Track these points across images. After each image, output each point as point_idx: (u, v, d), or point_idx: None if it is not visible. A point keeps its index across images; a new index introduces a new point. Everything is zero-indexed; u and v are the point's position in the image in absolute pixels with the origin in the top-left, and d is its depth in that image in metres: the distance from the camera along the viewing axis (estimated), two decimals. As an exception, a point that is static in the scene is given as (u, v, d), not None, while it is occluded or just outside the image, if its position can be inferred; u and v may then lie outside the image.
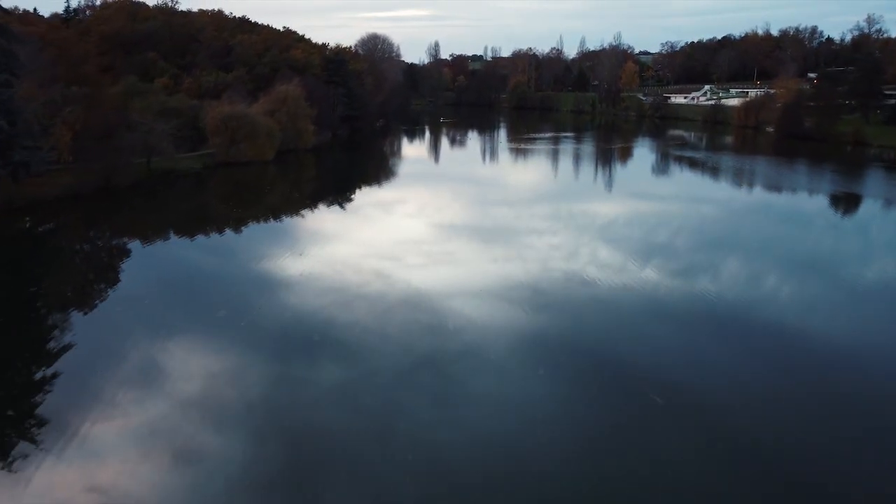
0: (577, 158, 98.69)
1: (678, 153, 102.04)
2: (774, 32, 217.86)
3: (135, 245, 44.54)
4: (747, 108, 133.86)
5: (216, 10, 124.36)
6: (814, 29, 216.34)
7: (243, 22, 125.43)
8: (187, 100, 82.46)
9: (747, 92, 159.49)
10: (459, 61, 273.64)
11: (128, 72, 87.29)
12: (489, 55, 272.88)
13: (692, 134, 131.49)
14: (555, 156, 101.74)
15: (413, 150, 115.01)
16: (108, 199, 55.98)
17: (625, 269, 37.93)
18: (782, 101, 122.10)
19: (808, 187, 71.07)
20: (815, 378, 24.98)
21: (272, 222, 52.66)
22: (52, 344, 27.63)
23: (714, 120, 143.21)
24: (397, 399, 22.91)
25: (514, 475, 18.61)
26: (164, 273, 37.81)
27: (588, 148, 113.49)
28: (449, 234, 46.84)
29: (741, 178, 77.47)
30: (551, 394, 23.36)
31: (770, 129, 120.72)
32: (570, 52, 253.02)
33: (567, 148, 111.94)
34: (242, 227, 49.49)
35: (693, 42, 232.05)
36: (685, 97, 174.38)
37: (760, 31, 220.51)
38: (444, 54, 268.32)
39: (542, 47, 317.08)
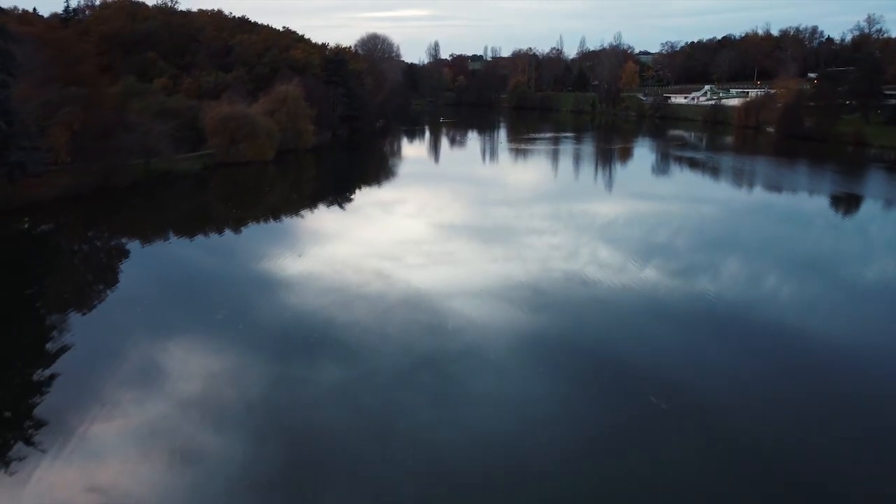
0: (577, 159, 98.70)
1: (678, 153, 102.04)
2: (775, 32, 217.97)
3: (134, 245, 44.56)
4: (747, 108, 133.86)
5: (216, 10, 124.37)
6: (814, 29, 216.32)
7: (243, 22, 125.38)
8: (186, 100, 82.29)
9: (747, 92, 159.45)
10: (459, 61, 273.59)
11: (127, 72, 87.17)
12: (489, 55, 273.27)
13: (692, 134, 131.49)
14: (555, 156, 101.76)
15: (413, 151, 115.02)
16: (106, 200, 55.90)
17: (625, 269, 37.93)
18: (782, 101, 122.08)
19: (809, 188, 71.07)
20: (815, 378, 24.98)
21: (272, 222, 52.65)
22: (51, 344, 27.64)
23: (714, 120, 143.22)
24: (397, 399, 22.91)
25: (514, 475, 18.61)
26: (163, 273, 37.80)
27: (588, 148, 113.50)
28: (449, 234, 46.84)
29: (741, 178, 77.50)
30: (551, 394, 23.37)
31: (770, 130, 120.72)
32: (570, 52, 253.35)
33: (567, 148, 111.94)
34: (242, 228, 49.48)
35: (693, 42, 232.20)
36: (685, 97, 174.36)
37: (760, 31, 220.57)
38: (444, 54, 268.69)
39: (542, 47, 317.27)
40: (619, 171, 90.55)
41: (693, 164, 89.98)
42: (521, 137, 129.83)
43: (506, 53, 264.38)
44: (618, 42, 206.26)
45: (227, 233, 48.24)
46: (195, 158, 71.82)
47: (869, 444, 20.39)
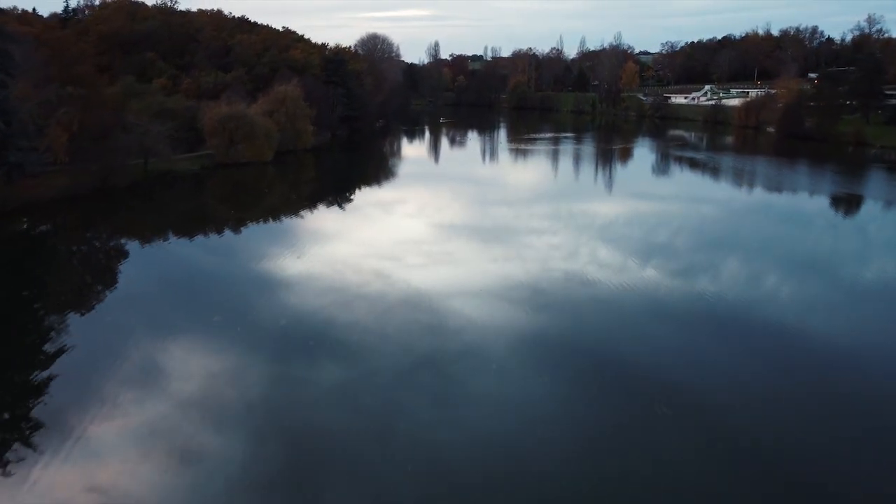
0: (577, 159, 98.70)
1: (678, 153, 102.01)
2: (775, 32, 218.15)
3: (132, 246, 44.56)
4: (748, 108, 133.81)
5: (215, 9, 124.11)
6: (814, 29, 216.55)
7: (242, 22, 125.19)
8: (185, 100, 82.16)
9: (748, 92, 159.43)
10: (459, 61, 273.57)
11: (126, 72, 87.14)
12: (489, 55, 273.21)
13: (692, 134, 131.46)
14: (555, 156, 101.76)
15: (413, 151, 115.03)
16: (104, 201, 55.86)
17: (625, 268, 37.92)
18: (783, 101, 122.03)
19: (809, 188, 70.99)
20: (815, 378, 24.98)
21: (271, 223, 52.61)
22: (50, 345, 27.60)
23: (714, 120, 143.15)
24: (397, 399, 22.91)
25: (514, 475, 18.60)
26: (162, 274, 37.80)
27: (588, 148, 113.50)
28: (449, 233, 46.83)
29: (741, 178, 77.48)
30: (551, 394, 23.36)
31: (771, 130, 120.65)
32: (570, 52, 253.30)
33: (567, 148, 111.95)
34: (241, 228, 49.44)
35: (693, 42, 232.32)
36: (685, 97, 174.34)
37: (761, 31, 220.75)
38: (444, 54, 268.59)
39: (542, 47, 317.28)
40: (619, 171, 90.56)
41: (693, 164, 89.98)
42: (521, 138, 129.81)
43: (506, 53, 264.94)
44: (618, 42, 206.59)
45: (226, 233, 48.25)
46: (194, 159, 71.79)
47: (869, 444, 20.38)
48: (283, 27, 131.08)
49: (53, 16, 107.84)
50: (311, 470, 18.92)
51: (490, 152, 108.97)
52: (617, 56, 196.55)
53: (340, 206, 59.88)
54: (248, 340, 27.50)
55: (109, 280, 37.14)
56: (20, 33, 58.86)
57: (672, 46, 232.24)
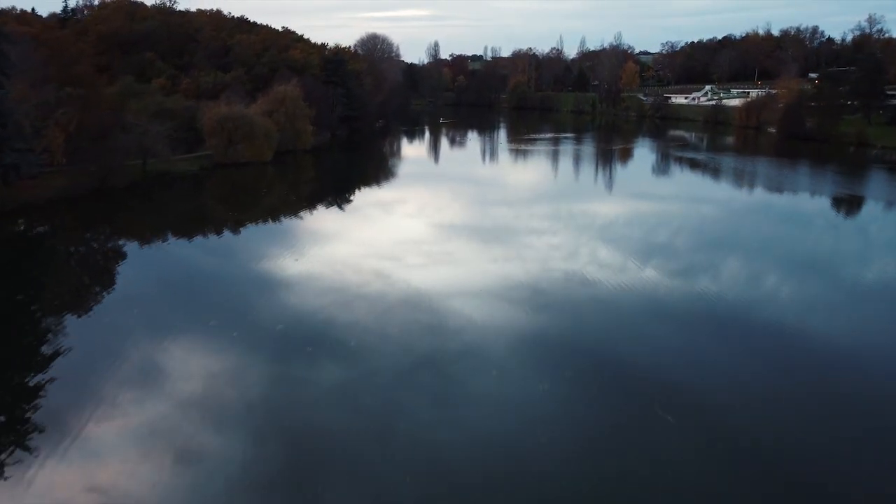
0: (577, 159, 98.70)
1: (679, 154, 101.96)
2: (775, 32, 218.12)
3: (131, 247, 44.49)
4: (748, 108, 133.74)
5: (214, 9, 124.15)
6: (814, 29, 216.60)
7: (242, 22, 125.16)
8: (184, 100, 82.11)
9: (748, 92, 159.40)
10: (459, 61, 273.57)
11: (125, 72, 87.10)
12: (489, 55, 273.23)
13: (693, 134, 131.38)
14: (555, 156, 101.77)
15: (413, 151, 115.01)
16: (103, 202, 55.75)
17: (625, 269, 37.92)
18: (784, 101, 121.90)
19: (810, 188, 70.92)
20: (815, 378, 24.97)
21: (270, 224, 52.58)
22: (48, 346, 27.56)
23: (715, 120, 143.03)
24: (397, 399, 22.90)
25: (514, 475, 18.59)
26: (161, 274, 37.78)
27: (588, 148, 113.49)
28: (449, 234, 46.82)
29: (742, 179, 77.44)
30: (551, 394, 23.35)
31: (772, 130, 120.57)
32: (570, 52, 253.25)
33: (567, 148, 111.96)
34: (240, 229, 49.38)
35: (693, 42, 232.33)
36: (686, 97, 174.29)
37: (761, 31, 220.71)
38: (444, 54, 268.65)
39: (542, 47, 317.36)
40: (619, 171, 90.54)
41: (694, 164, 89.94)
42: (521, 138, 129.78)
43: (506, 53, 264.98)
44: (618, 42, 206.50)
45: (225, 234, 48.22)
46: (193, 159, 71.70)
47: (869, 444, 20.38)
48: (283, 27, 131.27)
49: (52, 16, 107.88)
50: (311, 470, 18.90)
51: (490, 152, 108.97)
52: (617, 56, 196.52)
53: (340, 206, 59.87)
54: (248, 340, 27.48)
55: (108, 281, 37.09)
56: (18, 33, 58.62)
57: (672, 46, 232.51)
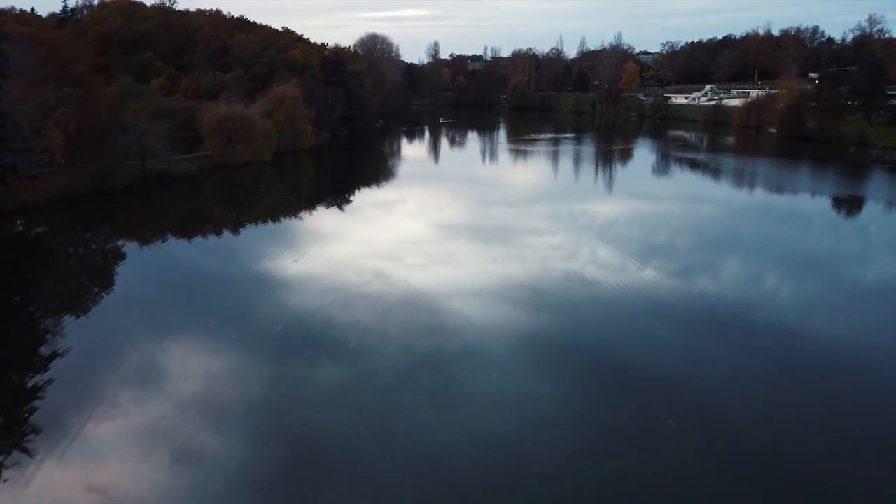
0: (577, 159, 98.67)
1: (679, 154, 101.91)
2: (775, 32, 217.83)
3: (130, 248, 44.44)
4: (749, 108, 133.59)
5: (214, 9, 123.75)
6: (815, 29, 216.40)
7: (241, 22, 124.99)
8: (183, 101, 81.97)
9: (748, 92, 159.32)
10: (459, 61, 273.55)
11: (125, 72, 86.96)
12: (489, 55, 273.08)
13: (693, 134, 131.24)
14: (555, 156, 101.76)
15: (412, 151, 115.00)
16: (102, 202, 55.66)
17: (625, 269, 37.91)
18: (784, 101, 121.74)
19: (810, 189, 70.80)
20: (815, 378, 24.97)
21: (270, 224, 52.56)
22: (47, 347, 27.55)
23: (715, 120, 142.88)
24: (397, 399, 22.90)
25: (514, 475, 18.59)
26: (160, 275, 37.73)
27: (588, 149, 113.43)
28: (449, 234, 46.82)
29: (743, 179, 77.41)
30: (551, 394, 23.34)
31: (772, 130, 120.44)
32: (570, 52, 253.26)
33: (567, 149, 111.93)
34: (239, 230, 49.33)
35: (693, 42, 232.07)
36: (686, 97, 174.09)
37: (761, 31, 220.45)
38: (444, 54, 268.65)
39: (542, 47, 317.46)
40: (620, 171, 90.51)
41: (694, 164, 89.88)
42: (521, 138, 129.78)
43: (506, 53, 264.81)
44: (618, 42, 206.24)
45: (225, 235, 48.19)
46: (192, 160, 71.60)
47: (869, 444, 20.37)
48: (283, 27, 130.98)
49: (52, 16, 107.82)
50: (311, 470, 18.91)
51: (490, 152, 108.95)
52: (617, 56, 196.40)
53: (340, 206, 59.86)
54: (248, 341, 27.48)
55: (107, 281, 37.08)
56: (16, 33, 58.30)
57: (672, 46, 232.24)
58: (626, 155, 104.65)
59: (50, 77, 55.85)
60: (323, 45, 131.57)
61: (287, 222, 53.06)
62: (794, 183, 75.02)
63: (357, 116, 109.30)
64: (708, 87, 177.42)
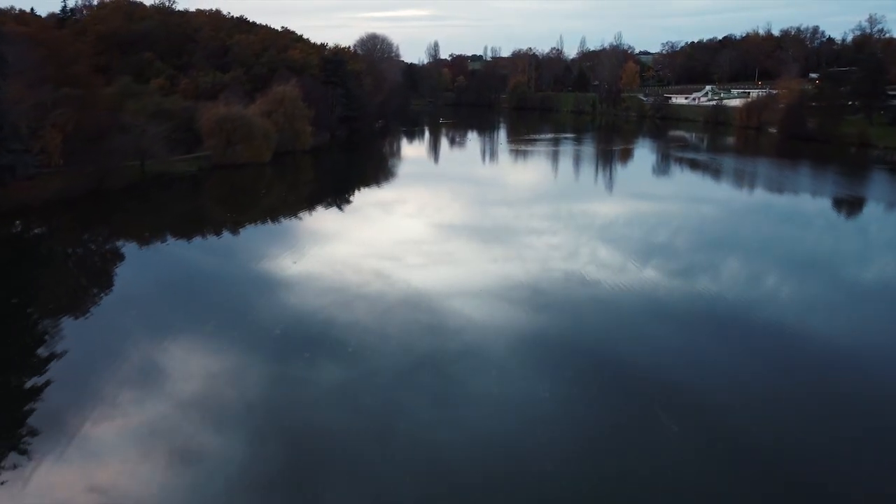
0: (577, 159, 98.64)
1: (679, 154, 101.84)
2: (775, 32, 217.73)
3: (128, 249, 44.26)
4: (749, 108, 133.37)
5: (213, 9, 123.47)
6: (815, 29, 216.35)
7: (241, 22, 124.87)
8: (182, 101, 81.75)
9: (748, 92, 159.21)
10: (459, 61, 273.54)
11: (124, 72, 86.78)
12: (489, 55, 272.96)
13: (693, 135, 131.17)
14: (555, 157, 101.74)
15: (412, 151, 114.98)
16: (100, 203, 55.53)
17: (625, 269, 37.90)
18: (785, 101, 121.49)
19: (811, 189, 70.65)
20: (815, 378, 24.97)
21: (270, 225, 52.50)
22: (46, 348, 27.53)
23: (716, 121, 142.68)
24: (397, 399, 22.90)
25: (514, 475, 18.58)
26: (159, 276, 37.65)
27: (588, 149, 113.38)
28: (448, 234, 46.82)
29: (743, 179, 77.36)
30: (551, 394, 23.33)
31: (772, 130, 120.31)
32: (570, 52, 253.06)
33: (567, 149, 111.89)
34: (239, 230, 49.29)
35: (694, 42, 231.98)
36: (686, 97, 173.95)
37: (761, 31, 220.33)
38: (444, 54, 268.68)
39: (542, 47, 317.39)
40: (620, 171, 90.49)
41: (694, 165, 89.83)
42: (521, 138, 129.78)
43: (506, 53, 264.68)
44: (618, 42, 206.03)
45: (224, 235, 48.13)
46: (191, 160, 71.47)
47: (869, 444, 20.37)
48: (282, 27, 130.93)
49: (51, 16, 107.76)
50: (311, 470, 18.90)
51: (490, 153, 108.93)
52: (617, 56, 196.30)
53: (339, 206, 59.84)
54: (248, 341, 27.48)
55: (106, 282, 36.99)
56: (14, 33, 58.01)
57: (672, 46, 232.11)
58: (627, 155, 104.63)
59: (49, 77, 55.48)
60: (323, 45, 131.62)
61: (287, 222, 53.04)
62: (794, 183, 74.98)
63: (357, 116, 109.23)
64: (708, 88, 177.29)
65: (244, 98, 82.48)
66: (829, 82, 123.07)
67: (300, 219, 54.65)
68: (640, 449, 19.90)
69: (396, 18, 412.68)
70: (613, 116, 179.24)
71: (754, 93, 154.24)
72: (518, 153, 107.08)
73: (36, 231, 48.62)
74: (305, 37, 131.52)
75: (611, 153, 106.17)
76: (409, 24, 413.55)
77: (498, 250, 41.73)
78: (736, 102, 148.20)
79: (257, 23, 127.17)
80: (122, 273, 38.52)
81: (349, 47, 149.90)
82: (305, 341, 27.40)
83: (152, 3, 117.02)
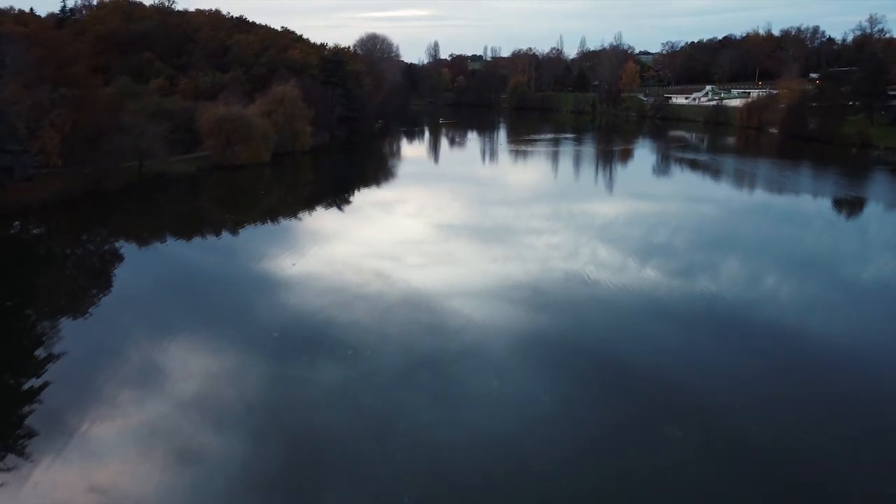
0: (577, 160, 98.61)
1: (679, 155, 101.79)
2: (776, 32, 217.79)
3: (127, 250, 44.13)
4: (750, 108, 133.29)
5: (213, 9, 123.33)
6: (815, 29, 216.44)
7: (240, 22, 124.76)
8: (182, 101, 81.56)
9: (749, 92, 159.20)
10: (459, 61, 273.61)
11: (123, 72, 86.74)
12: (489, 55, 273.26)
13: (693, 135, 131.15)
14: (555, 157, 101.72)
15: (412, 151, 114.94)
16: (98, 204, 55.42)
17: (625, 269, 37.90)
18: (785, 101, 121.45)
19: (811, 190, 70.55)
20: (815, 378, 24.97)
21: (269, 225, 52.46)
22: (45, 349, 27.46)
23: (716, 121, 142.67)
24: (397, 399, 22.89)
25: (514, 475, 18.57)
26: (158, 277, 37.56)
27: (588, 149, 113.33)
28: (448, 233, 46.81)
29: (743, 180, 77.32)
30: (551, 394, 23.32)
31: (773, 131, 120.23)
32: (570, 52, 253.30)
33: (567, 149, 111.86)
34: (238, 231, 49.29)
35: (694, 42, 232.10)
36: (686, 97, 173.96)
37: (762, 31, 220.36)
38: (444, 54, 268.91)
39: (542, 47, 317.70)
40: (620, 172, 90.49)
41: (694, 165, 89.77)
42: (521, 138, 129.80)
43: (506, 53, 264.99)
44: (618, 42, 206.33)
45: (223, 236, 48.11)
46: (190, 161, 71.42)
47: (869, 444, 20.37)
48: (282, 27, 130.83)
49: (51, 16, 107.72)
50: (311, 470, 18.89)
51: (490, 153, 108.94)
52: (617, 56, 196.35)
53: (339, 207, 59.81)
54: (248, 341, 27.46)
55: (104, 283, 36.86)
56: (12, 33, 57.70)
57: (672, 46, 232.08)
58: (627, 155, 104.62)
59: (47, 77, 55.26)
60: (322, 46, 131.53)
61: (286, 223, 53.00)
62: (794, 184, 74.94)
63: (356, 117, 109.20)
64: (708, 88, 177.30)
65: (243, 98, 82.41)
66: (830, 82, 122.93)
67: (300, 219, 54.61)
68: (640, 449, 19.90)
69: (396, 18, 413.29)
70: (613, 116, 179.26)
71: (755, 93, 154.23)
72: (518, 153, 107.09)
73: (34, 232, 48.57)
74: (305, 37, 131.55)
75: (611, 153, 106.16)
76: (409, 24, 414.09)
77: (498, 250, 41.72)
78: (736, 102, 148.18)
79: (257, 23, 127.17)
80: (120, 274, 38.47)
81: (349, 47, 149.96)
82: (305, 341, 27.40)
83: (152, 3, 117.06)
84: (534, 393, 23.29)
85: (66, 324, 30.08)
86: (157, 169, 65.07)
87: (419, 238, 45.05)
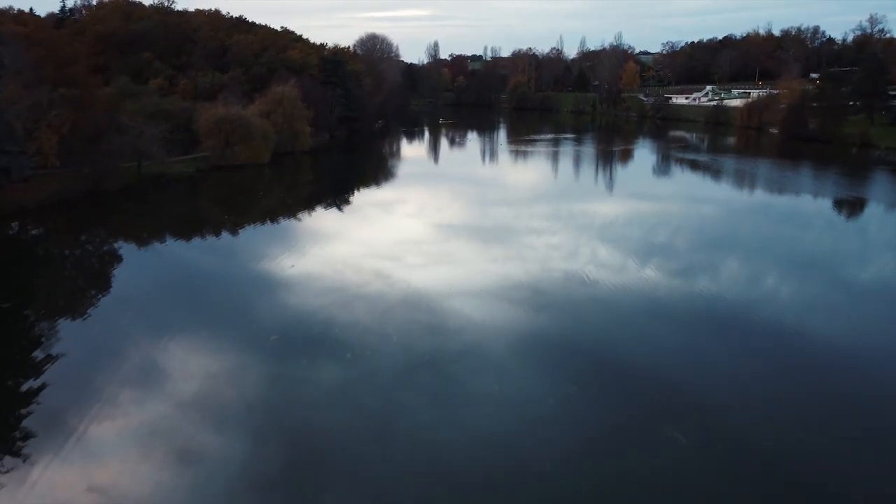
0: (577, 160, 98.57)
1: (680, 155, 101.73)
2: (776, 32, 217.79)
3: (125, 250, 44.10)
4: (750, 108, 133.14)
5: (212, 9, 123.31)
6: (815, 29, 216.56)
7: (240, 22, 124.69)
8: (181, 101, 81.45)
9: (749, 92, 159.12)
10: (459, 61, 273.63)
11: (122, 72, 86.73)
12: (489, 55, 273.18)
13: (694, 135, 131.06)
14: (555, 157, 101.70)
15: (412, 151, 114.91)
16: (97, 205, 55.40)
17: (625, 269, 37.89)
18: (786, 101, 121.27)
19: (812, 190, 70.50)
20: (815, 378, 24.96)
21: (269, 225, 52.42)
22: (44, 349, 27.43)
23: (716, 121, 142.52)
24: (397, 399, 22.88)
25: (514, 475, 18.57)
26: (157, 278, 37.52)
27: (588, 149, 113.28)
28: (448, 234, 46.80)
29: (743, 180, 77.28)
30: (551, 394, 23.31)
31: (773, 131, 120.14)
32: (571, 52, 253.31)
33: (567, 149, 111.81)
34: (237, 231, 49.27)
35: (694, 42, 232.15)
36: (686, 98, 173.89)
37: (762, 31, 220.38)
38: (444, 54, 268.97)
39: (542, 47, 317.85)
40: (620, 172, 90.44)
41: (695, 165, 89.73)
42: (521, 138, 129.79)
43: (506, 53, 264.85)
44: (618, 42, 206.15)
45: (223, 236, 48.07)
46: (189, 161, 71.33)
47: (869, 444, 20.36)
48: (282, 27, 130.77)
49: (50, 16, 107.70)
50: (311, 470, 18.89)
51: (490, 153, 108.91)
52: (617, 56, 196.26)
53: (339, 207, 59.78)
54: (247, 341, 27.45)
55: (103, 284, 36.81)
56: (10, 33, 57.55)
57: (672, 46, 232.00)
58: (627, 155, 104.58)
59: (46, 77, 55.09)
60: (322, 46, 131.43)
61: (286, 223, 52.95)
62: (795, 184, 74.89)
63: (356, 117, 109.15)
64: (708, 88, 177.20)
65: (243, 98, 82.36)
66: (830, 82, 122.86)
67: (299, 219, 54.56)
68: (639, 449, 19.89)
69: (396, 18, 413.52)
70: (613, 116, 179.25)
71: (755, 93, 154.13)
72: (518, 153, 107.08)
73: (33, 233, 48.55)
74: (305, 37, 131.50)
75: (611, 153, 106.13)
76: (409, 24, 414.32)
77: (498, 250, 41.71)
78: (736, 103, 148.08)
79: (256, 23, 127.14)
80: (119, 274, 38.46)
81: (349, 47, 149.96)
82: (305, 341, 27.38)
83: (151, 3, 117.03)
84: (534, 393, 23.28)
85: (65, 324, 30.07)
86: (156, 169, 64.97)
87: (419, 238, 45.04)
